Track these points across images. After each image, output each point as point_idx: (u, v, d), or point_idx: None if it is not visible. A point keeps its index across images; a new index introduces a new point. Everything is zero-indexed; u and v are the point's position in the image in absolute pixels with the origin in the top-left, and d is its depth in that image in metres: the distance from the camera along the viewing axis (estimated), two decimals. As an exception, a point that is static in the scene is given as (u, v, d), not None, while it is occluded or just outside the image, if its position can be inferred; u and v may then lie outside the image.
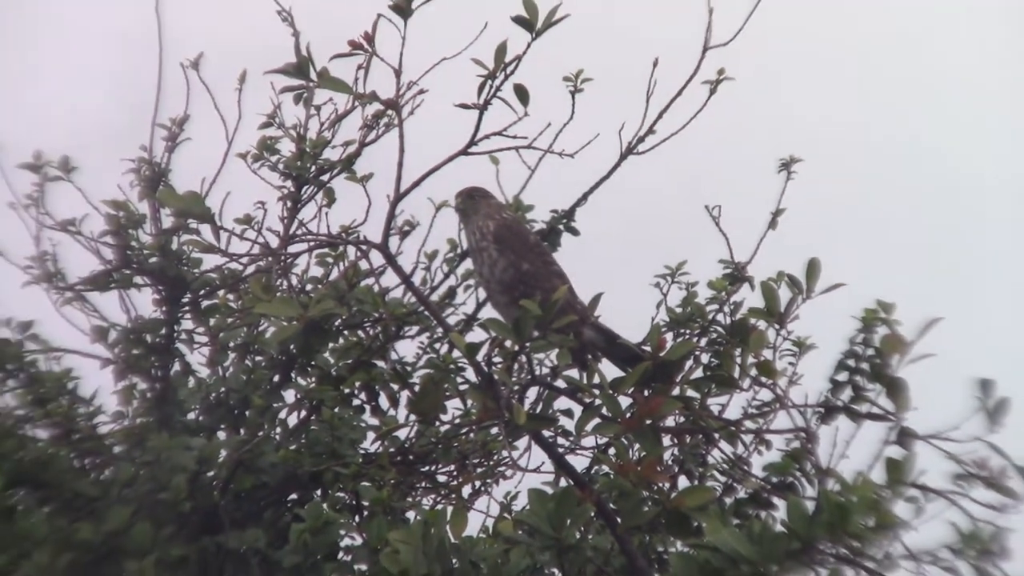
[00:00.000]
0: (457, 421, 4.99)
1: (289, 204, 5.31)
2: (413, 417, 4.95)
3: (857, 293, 4.03)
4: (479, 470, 5.13)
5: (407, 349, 5.21)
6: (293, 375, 4.89)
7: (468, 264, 5.20)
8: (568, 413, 4.35)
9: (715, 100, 5.01)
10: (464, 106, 4.19)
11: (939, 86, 9.67)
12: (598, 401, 3.81)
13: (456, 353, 4.67)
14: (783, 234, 5.28)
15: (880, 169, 9.45)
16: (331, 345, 4.89)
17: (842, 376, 4.05)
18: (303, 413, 4.94)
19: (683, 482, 4.75)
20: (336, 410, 4.78)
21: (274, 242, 5.16)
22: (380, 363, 4.97)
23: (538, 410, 4.35)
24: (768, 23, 4.93)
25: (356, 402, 4.98)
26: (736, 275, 5.15)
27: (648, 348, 4.02)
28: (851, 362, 4.03)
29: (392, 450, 4.93)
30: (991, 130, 9.40)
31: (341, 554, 4.27)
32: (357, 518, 4.64)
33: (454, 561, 3.72)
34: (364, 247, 4.87)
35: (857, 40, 9.72)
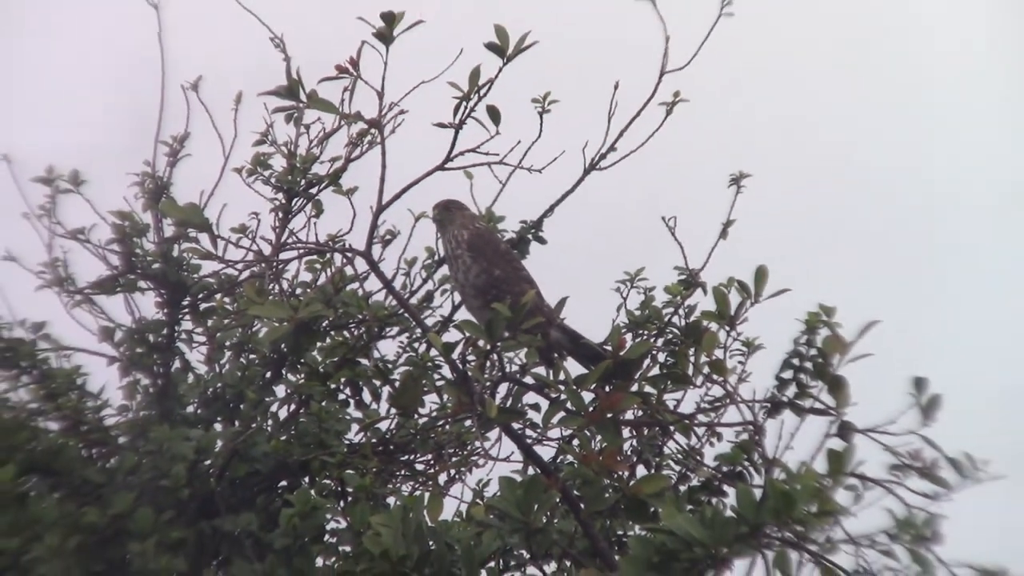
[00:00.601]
0: (434, 414, 4.98)
1: (280, 215, 5.30)
2: (394, 410, 4.94)
3: (803, 297, 4.03)
4: (454, 459, 5.13)
5: (388, 348, 5.20)
6: (284, 372, 4.88)
7: (444, 270, 5.20)
8: (536, 407, 4.32)
9: (676, 119, 5.01)
10: (441, 125, 4.18)
11: (904, 97, 9.64)
12: (563, 396, 3.79)
13: (433, 352, 4.70)
14: (735, 243, 5.28)
15: (833, 177, 9.42)
16: (319, 344, 4.88)
17: (787, 374, 4.05)
18: (293, 407, 4.94)
19: (641, 471, 4.74)
20: (323, 404, 4.78)
21: (267, 250, 5.19)
22: (364, 361, 4.97)
23: (508, 404, 4.35)
24: (736, 33, 4.93)
25: (342, 396, 4.97)
26: (690, 281, 5.15)
27: (609, 348, 4.02)
28: (796, 361, 4.04)
29: (374, 441, 4.92)
30: (959, 138, 9.36)
31: (327, 536, 4.25)
32: (342, 503, 4.63)
33: (431, 543, 3.71)
34: (349, 254, 4.87)
35: (826, 49, 9.69)
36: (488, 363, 3.90)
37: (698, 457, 4.65)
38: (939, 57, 9.59)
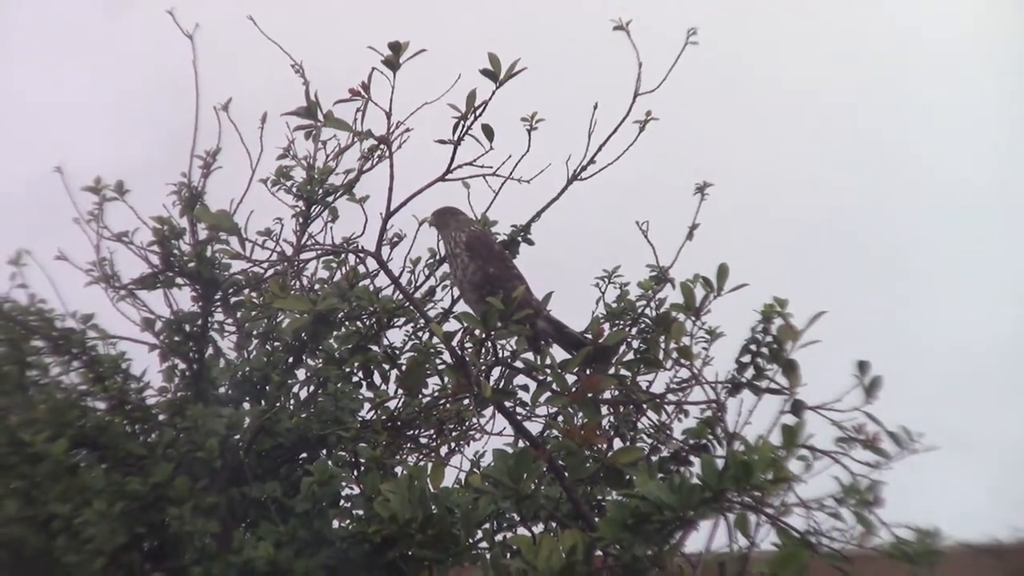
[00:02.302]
0: (436, 394, 4.99)
1: (301, 220, 5.29)
2: (401, 391, 4.96)
3: (760, 291, 4.03)
4: (454, 434, 5.12)
5: (396, 336, 5.20)
6: (304, 357, 4.88)
7: (445, 268, 5.18)
8: (525, 388, 4.32)
9: (648, 135, 4.99)
10: (441, 142, 4.16)
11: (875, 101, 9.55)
12: (549, 378, 3.79)
13: (435, 340, 4.67)
14: (701, 244, 5.26)
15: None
16: (335, 333, 4.88)
17: (746, 358, 4.04)
18: (312, 388, 4.94)
19: (618, 443, 4.73)
20: (339, 385, 4.80)
21: (289, 250, 5.16)
22: (374, 348, 4.97)
23: (501, 385, 4.33)
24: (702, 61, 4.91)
25: (355, 379, 4.98)
26: (660, 277, 5.13)
27: (589, 336, 4.05)
28: (753, 347, 4.03)
29: (384, 418, 4.93)
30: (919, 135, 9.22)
31: (343, 502, 4.29)
32: (356, 473, 4.64)
33: (433, 507, 3.72)
34: (361, 255, 4.86)
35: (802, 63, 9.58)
36: (483, 349, 3.90)
37: (668, 431, 4.63)
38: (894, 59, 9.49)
